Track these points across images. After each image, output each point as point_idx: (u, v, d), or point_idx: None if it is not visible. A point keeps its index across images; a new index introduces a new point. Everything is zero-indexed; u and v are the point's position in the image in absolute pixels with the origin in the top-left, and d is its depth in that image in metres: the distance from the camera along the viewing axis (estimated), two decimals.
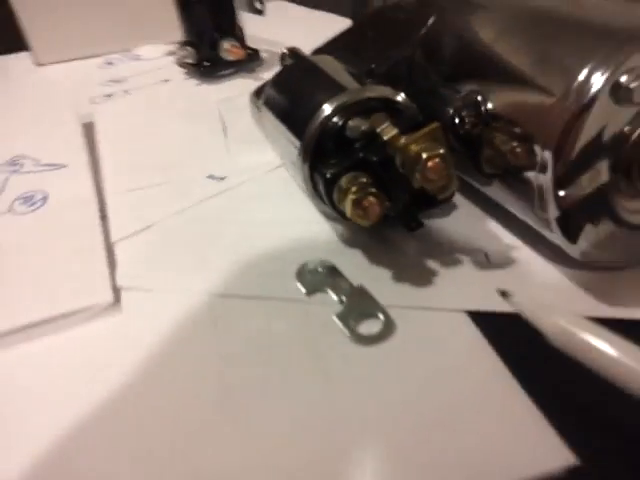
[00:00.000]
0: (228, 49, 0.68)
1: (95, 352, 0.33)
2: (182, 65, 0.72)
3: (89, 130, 0.60)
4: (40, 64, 0.85)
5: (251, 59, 0.71)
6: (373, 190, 0.34)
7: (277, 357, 0.31)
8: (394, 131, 0.34)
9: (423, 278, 0.35)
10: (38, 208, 0.45)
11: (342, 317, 0.33)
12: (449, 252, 0.37)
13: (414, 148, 0.33)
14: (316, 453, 0.26)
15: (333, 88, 0.37)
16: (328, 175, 0.35)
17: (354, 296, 0.34)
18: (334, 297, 0.34)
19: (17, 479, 0.26)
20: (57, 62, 0.85)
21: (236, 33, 0.71)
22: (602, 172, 0.30)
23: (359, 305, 0.34)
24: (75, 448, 0.27)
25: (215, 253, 0.39)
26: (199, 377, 0.31)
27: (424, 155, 0.33)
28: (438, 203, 0.38)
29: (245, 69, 0.71)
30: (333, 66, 0.41)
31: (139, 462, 0.26)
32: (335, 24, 0.54)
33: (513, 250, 0.37)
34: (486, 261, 0.36)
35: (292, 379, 0.30)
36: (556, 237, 0.33)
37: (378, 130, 0.34)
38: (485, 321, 0.32)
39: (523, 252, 0.37)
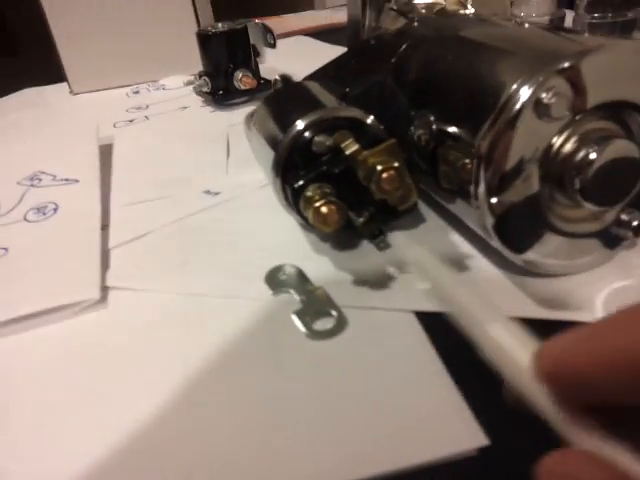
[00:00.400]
0: (241, 79, 0.73)
1: (81, 343, 0.37)
2: (199, 94, 0.77)
3: (108, 151, 0.66)
4: (75, 93, 0.92)
5: (263, 88, 0.76)
6: (333, 199, 0.37)
7: (239, 349, 0.34)
8: (355, 146, 0.37)
9: (380, 282, 0.38)
10: (48, 218, 0.49)
11: (300, 314, 0.36)
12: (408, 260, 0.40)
13: (371, 161, 0.36)
14: (266, 436, 0.29)
15: (309, 107, 0.41)
16: (295, 185, 0.38)
17: (313, 296, 0.37)
18: (296, 297, 0.37)
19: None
20: (90, 91, 0.92)
21: (250, 65, 0.76)
22: (533, 182, 0.33)
23: (316, 304, 0.36)
24: (59, 427, 0.31)
25: (197, 259, 0.43)
26: (168, 367, 0.34)
27: (379, 167, 0.36)
28: (400, 214, 0.41)
29: (257, 98, 0.76)
30: (315, 90, 0.45)
31: (115, 442, 0.29)
32: None
33: (468, 258, 0.39)
34: None
35: (249, 368, 0.33)
36: (499, 245, 0.35)
37: (342, 145, 0.38)
38: (431, 320, 0.35)
39: (477, 261, 0.39)
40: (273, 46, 0.74)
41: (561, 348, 0.15)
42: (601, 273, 0.37)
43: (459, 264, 0.39)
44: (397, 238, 0.28)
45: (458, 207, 0.39)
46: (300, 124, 0.39)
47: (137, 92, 0.88)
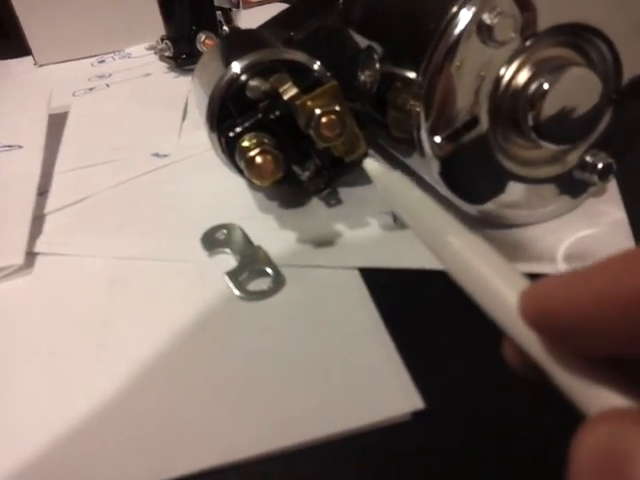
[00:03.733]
0: (204, 41, 0.69)
1: (2, 309, 0.34)
2: (162, 59, 0.73)
3: (63, 119, 0.62)
4: (40, 65, 0.88)
5: None
6: (269, 148, 0.34)
7: (164, 313, 0.32)
8: (294, 91, 0.34)
9: (325, 239, 0.35)
10: None
11: (232, 275, 0.33)
12: (359, 216, 0.37)
13: (310, 105, 0.33)
14: (193, 402, 0.26)
15: (249, 50, 0.37)
16: (230, 134, 0.35)
17: (251, 256, 0.34)
18: (233, 257, 0.34)
19: None
20: (55, 62, 0.88)
21: (215, 28, 0.72)
22: (482, 121, 0.29)
23: (252, 263, 0.33)
24: None
25: (134, 222, 0.40)
26: (89, 329, 0.31)
27: (318, 111, 0.32)
28: (349, 166, 0.37)
29: None
30: (259, 35, 0.42)
31: (33, 413, 0.27)
32: None
33: None
34: (393, 223, 0.36)
35: (175, 332, 0.30)
36: (448, 194, 0.32)
37: (280, 90, 0.34)
38: (375, 276, 0.32)
39: None
40: (237, 6, 0.70)
41: (546, 289, 0.13)
42: (564, 222, 0.34)
43: None
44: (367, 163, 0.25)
45: (411, 159, 0.36)
46: (235, 67, 0.36)
47: (102, 61, 0.84)
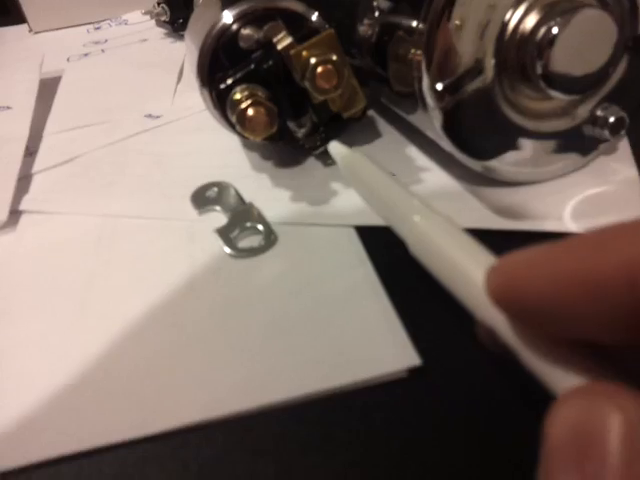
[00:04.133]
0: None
1: None
2: (159, 24, 0.71)
3: (55, 83, 0.60)
4: (35, 32, 0.86)
5: None
6: (262, 100, 0.32)
7: (152, 270, 0.30)
8: (289, 40, 0.32)
9: (321, 198, 0.34)
10: None
11: (222, 232, 0.31)
12: None
13: (306, 55, 0.31)
14: (185, 360, 0.25)
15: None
16: (221, 86, 0.33)
17: (242, 213, 0.32)
18: (223, 215, 0.33)
19: None
20: (51, 30, 0.86)
21: None
22: (487, 68, 0.27)
23: (242, 220, 0.32)
24: None
25: (123, 181, 0.38)
26: (73, 286, 0.30)
27: (313, 60, 0.31)
28: (347, 122, 0.36)
29: None
30: None
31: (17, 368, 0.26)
32: None
33: (424, 171, 0.35)
34: None
35: (160, 289, 0.29)
36: (452, 149, 0.30)
37: (274, 40, 0.32)
38: (372, 235, 0.30)
39: (434, 173, 0.34)
40: None
41: (512, 267, 0.13)
42: (573, 180, 0.32)
43: (413, 177, 0.34)
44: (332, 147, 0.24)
45: (414, 115, 0.34)
46: (227, 16, 0.34)
47: (98, 28, 0.82)
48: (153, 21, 0.76)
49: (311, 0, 0.37)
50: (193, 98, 0.48)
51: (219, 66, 0.34)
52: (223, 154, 0.40)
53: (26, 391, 0.24)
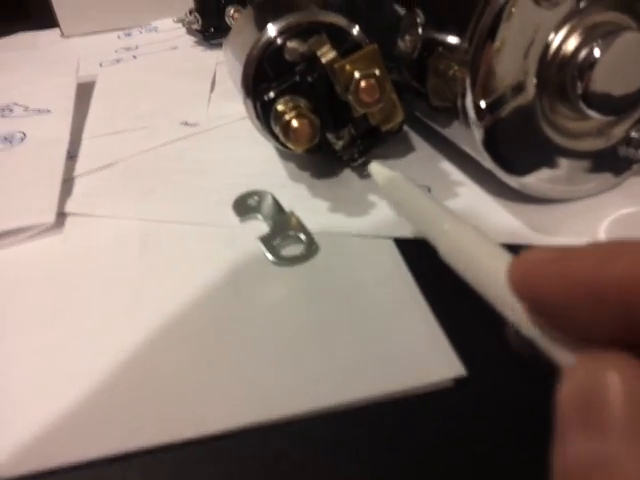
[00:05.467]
0: (232, 15, 0.68)
1: (35, 268, 0.34)
2: (190, 32, 0.73)
3: (90, 88, 0.62)
4: (66, 36, 0.88)
5: None
6: (305, 112, 0.33)
7: (197, 276, 0.31)
8: (332, 54, 0.33)
9: (359, 209, 0.35)
10: (15, 146, 0.46)
11: (265, 240, 0.32)
12: None
13: (349, 69, 0.32)
14: (231, 364, 0.26)
15: (284, 13, 0.37)
16: (265, 98, 0.34)
17: (283, 222, 0.34)
18: (265, 223, 0.34)
19: None
20: (82, 34, 0.88)
21: (243, 0, 0.71)
22: (529, 88, 0.28)
23: (285, 229, 0.33)
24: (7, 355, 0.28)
25: (165, 186, 0.39)
26: (122, 289, 0.31)
27: (357, 75, 0.32)
28: (384, 136, 0.37)
29: None
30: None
31: (70, 370, 0.27)
32: None
33: (459, 186, 0.35)
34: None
35: (208, 296, 0.30)
36: (491, 165, 0.31)
37: (318, 53, 0.33)
38: (410, 247, 0.31)
39: (469, 188, 0.35)
40: None
41: (531, 263, 0.14)
42: (606, 199, 0.33)
43: (448, 192, 0.35)
44: (372, 167, 0.26)
45: (451, 129, 0.35)
46: (271, 29, 0.35)
47: (129, 34, 0.84)
48: (183, 29, 0.77)
49: (353, 14, 0.38)
50: (228, 107, 0.50)
51: (263, 77, 0.36)
52: (260, 163, 0.41)
53: (72, 388, 0.25)
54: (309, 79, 0.34)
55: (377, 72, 0.32)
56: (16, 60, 0.77)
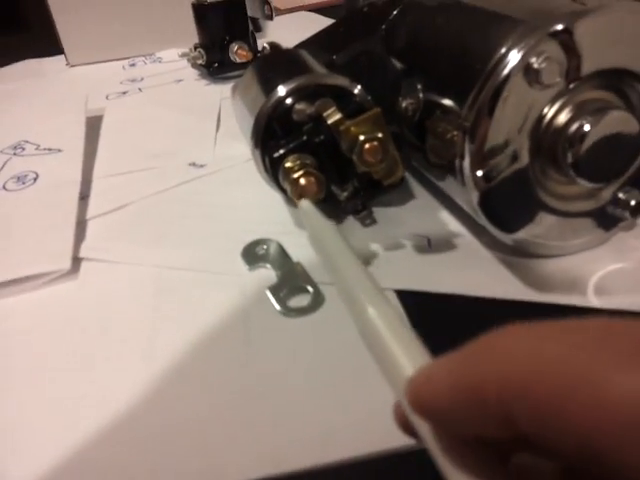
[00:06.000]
0: (236, 51, 0.71)
1: (50, 313, 0.35)
2: (194, 66, 0.75)
3: (98, 122, 0.64)
4: (71, 65, 0.90)
5: None
6: (313, 170, 0.35)
7: (209, 324, 0.33)
8: (338, 115, 0.35)
9: (361, 259, 0.36)
10: (27, 187, 0.48)
11: (274, 290, 0.34)
12: (393, 237, 0.38)
13: (354, 131, 0.34)
14: (236, 411, 0.28)
15: (292, 74, 0.39)
16: (274, 155, 0.36)
17: (291, 272, 0.35)
18: (273, 272, 0.36)
19: None
20: (87, 63, 0.90)
21: (247, 37, 0.73)
22: (522, 155, 0.31)
23: (292, 280, 0.35)
24: (21, 398, 0.30)
25: (175, 231, 0.41)
26: (136, 337, 0.33)
27: (361, 137, 0.34)
28: (386, 189, 0.39)
29: None
30: (302, 57, 0.43)
31: (82, 413, 0.29)
32: None
33: (456, 237, 0.37)
34: (427, 246, 0.37)
35: (219, 344, 0.32)
36: (486, 223, 0.33)
37: (324, 114, 0.35)
38: (411, 299, 0.33)
39: (466, 239, 0.37)
40: (270, 17, 0.71)
41: (420, 381, 0.16)
42: (595, 255, 0.35)
43: (446, 243, 0.37)
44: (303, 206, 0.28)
45: (447, 184, 0.37)
46: (281, 90, 0.37)
47: (133, 65, 0.86)
48: (186, 60, 0.79)
49: (355, 73, 0.40)
50: (234, 148, 0.52)
51: (272, 134, 0.38)
52: (266, 209, 0.43)
53: (81, 438, 0.27)
54: (316, 139, 0.36)
55: (380, 135, 0.34)
56: (23, 91, 0.79)
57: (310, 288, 0.34)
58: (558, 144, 0.30)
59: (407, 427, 0.17)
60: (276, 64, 0.43)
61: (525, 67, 0.28)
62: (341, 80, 0.39)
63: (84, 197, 0.47)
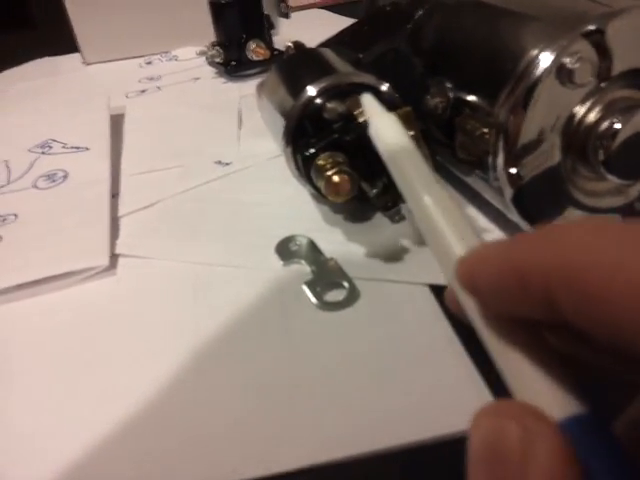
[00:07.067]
0: (254, 49, 0.72)
1: (89, 310, 0.37)
2: (211, 64, 0.76)
3: (120, 121, 0.65)
4: (88, 63, 0.91)
5: (276, 59, 0.74)
6: (346, 168, 0.36)
7: (248, 318, 0.34)
8: None
9: (393, 254, 0.37)
10: (58, 184, 0.49)
11: (310, 285, 0.35)
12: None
13: None
14: (275, 404, 0.29)
15: (321, 73, 0.40)
16: (306, 154, 0.37)
17: (325, 267, 0.36)
18: (307, 268, 0.37)
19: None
20: (103, 62, 0.91)
21: (263, 35, 0.74)
22: (554, 153, 0.31)
23: (328, 275, 0.36)
24: (63, 394, 0.31)
25: (207, 228, 0.42)
26: (177, 335, 0.33)
27: None
28: None
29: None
30: (328, 55, 0.44)
31: (122, 409, 0.29)
32: None
33: (485, 233, 0.38)
34: None
35: (259, 338, 0.33)
36: (518, 219, 0.34)
37: (354, 112, 0.36)
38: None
39: (494, 235, 0.38)
40: (286, 16, 0.72)
41: (475, 259, 0.16)
42: None
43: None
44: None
45: (476, 180, 0.38)
46: (311, 90, 0.38)
47: (150, 63, 0.87)
48: (203, 58, 0.80)
49: (381, 71, 0.41)
50: (258, 145, 0.53)
51: (303, 132, 0.39)
52: (295, 206, 0.44)
53: (128, 430, 0.28)
54: (347, 137, 0.37)
55: (412, 133, 0.35)
56: (43, 89, 0.80)
57: (345, 283, 0.35)
58: (589, 142, 0.31)
59: (457, 306, 0.17)
60: (303, 63, 0.44)
61: (558, 67, 0.29)
62: (369, 78, 0.39)
63: (114, 195, 0.48)
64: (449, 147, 0.39)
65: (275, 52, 0.75)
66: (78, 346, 0.34)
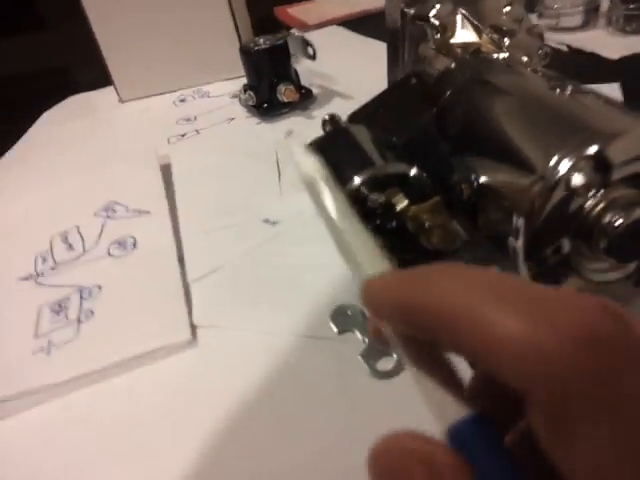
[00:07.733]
0: (284, 92, 0.77)
1: (174, 384, 0.43)
2: (245, 106, 0.82)
3: (167, 171, 0.71)
4: (123, 101, 0.97)
5: (305, 98, 0.80)
6: (388, 255, 0.42)
7: (310, 387, 0.41)
8: (405, 202, 0.42)
9: None
10: (129, 253, 0.56)
11: (365, 356, 0.42)
12: None
13: (421, 217, 0.42)
14: (337, 468, 0.35)
15: (361, 162, 0.46)
16: None
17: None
18: (359, 337, 0.43)
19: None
20: (137, 98, 0.97)
21: (291, 76, 0.80)
22: (565, 244, 0.37)
23: (377, 345, 0.42)
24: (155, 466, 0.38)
25: (267, 295, 0.49)
26: (255, 402, 0.40)
27: (427, 224, 0.41)
28: (444, 256, 0.46)
29: (300, 107, 0.80)
30: (363, 138, 0.50)
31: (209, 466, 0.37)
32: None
33: None
34: None
35: (321, 406, 0.39)
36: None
37: (393, 201, 0.43)
38: None
39: None
40: (313, 58, 0.77)
41: (371, 286, 0.20)
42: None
43: None
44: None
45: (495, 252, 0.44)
46: (357, 180, 0.44)
47: (183, 100, 0.93)
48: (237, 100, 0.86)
49: (412, 151, 0.47)
50: (300, 201, 0.59)
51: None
52: (344, 270, 0.50)
53: None
54: (388, 225, 0.43)
55: (441, 222, 0.41)
56: (86, 132, 0.86)
57: (394, 354, 0.41)
58: (593, 231, 0.37)
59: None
60: (343, 148, 0.50)
61: (567, 182, 0.35)
62: (400, 167, 0.45)
63: (179, 259, 0.54)
64: (469, 219, 0.45)
65: (303, 91, 0.81)
66: (169, 416, 0.40)
